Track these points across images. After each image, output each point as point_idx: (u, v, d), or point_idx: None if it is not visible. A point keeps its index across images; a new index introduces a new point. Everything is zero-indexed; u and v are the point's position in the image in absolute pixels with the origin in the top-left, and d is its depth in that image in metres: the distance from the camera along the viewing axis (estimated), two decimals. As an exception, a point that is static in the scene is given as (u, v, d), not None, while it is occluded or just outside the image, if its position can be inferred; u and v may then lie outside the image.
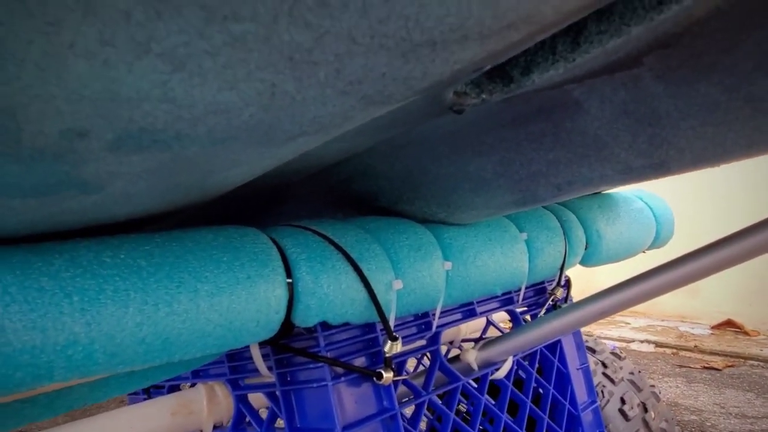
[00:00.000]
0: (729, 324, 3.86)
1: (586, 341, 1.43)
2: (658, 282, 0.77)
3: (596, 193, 1.27)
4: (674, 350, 3.55)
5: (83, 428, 0.72)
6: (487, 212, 0.79)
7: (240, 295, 0.56)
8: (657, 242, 1.37)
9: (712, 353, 3.41)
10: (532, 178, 0.67)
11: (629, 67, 0.48)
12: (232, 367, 0.81)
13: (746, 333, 3.72)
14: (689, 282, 0.75)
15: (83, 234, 0.51)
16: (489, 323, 1.18)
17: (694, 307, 4.12)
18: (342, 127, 0.38)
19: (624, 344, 3.77)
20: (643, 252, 1.36)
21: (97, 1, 0.18)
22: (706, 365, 3.21)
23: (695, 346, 3.51)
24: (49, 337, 0.44)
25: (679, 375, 3.12)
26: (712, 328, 3.92)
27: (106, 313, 0.47)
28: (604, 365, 1.34)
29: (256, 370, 0.79)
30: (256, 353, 0.73)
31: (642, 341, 3.73)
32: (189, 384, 0.92)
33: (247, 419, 0.83)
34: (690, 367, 3.23)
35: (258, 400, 0.86)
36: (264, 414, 0.82)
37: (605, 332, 4.04)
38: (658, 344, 3.65)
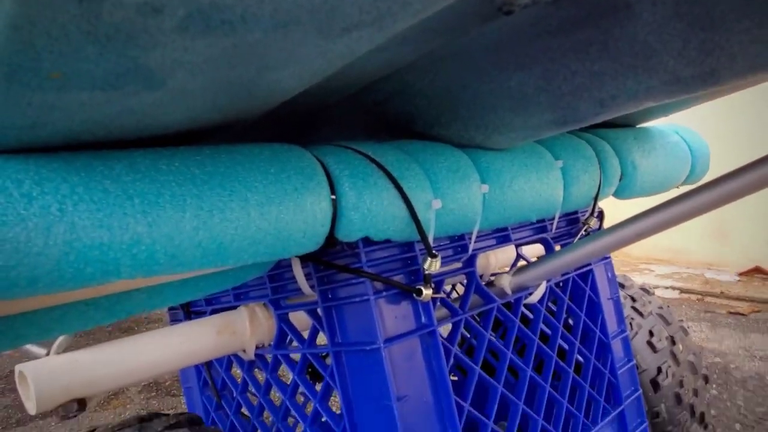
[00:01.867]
0: (757, 271, 3.82)
1: (617, 277, 1.44)
2: (687, 206, 0.76)
3: (632, 126, 1.25)
4: (699, 296, 3.54)
5: (138, 342, 0.76)
6: (524, 134, 0.79)
7: (288, 206, 0.57)
8: (692, 177, 1.34)
9: (738, 299, 3.39)
10: (574, 93, 0.66)
11: (686, -38, 0.47)
12: (274, 288, 0.84)
13: (774, 279, 3.68)
14: (722, 205, 0.74)
15: (136, 146, 0.53)
16: (519, 257, 1.19)
17: (721, 255, 4.07)
18: (398, 18, 0.38)
19: (648, 290, 3.77)
20: (677, 187, 1.34)
21: None
22: (732, 311, 3.20)
23: (721, 292, 3.50)
24: (115, 236, 0.46)
25: (704, 320, 3.12)
26: (740, 275, 3.89)
27: (166, 216, 0.49)
28: (633, 299, 1.35)
29: (296, 290, 0.82)
30: (298, 271, 0.76)
31: (667, 287, 3.72)
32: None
33: (289, 338, 0.86)
34: (715, 312, 3.23)
35: (298, 321, 0.89)
36: (305, 334, 0.85)
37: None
38: (683, 290, 3.64)
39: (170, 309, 1.11)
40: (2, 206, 0.41)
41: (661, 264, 4.42)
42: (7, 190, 0.42)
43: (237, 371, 1.00)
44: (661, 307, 1.37)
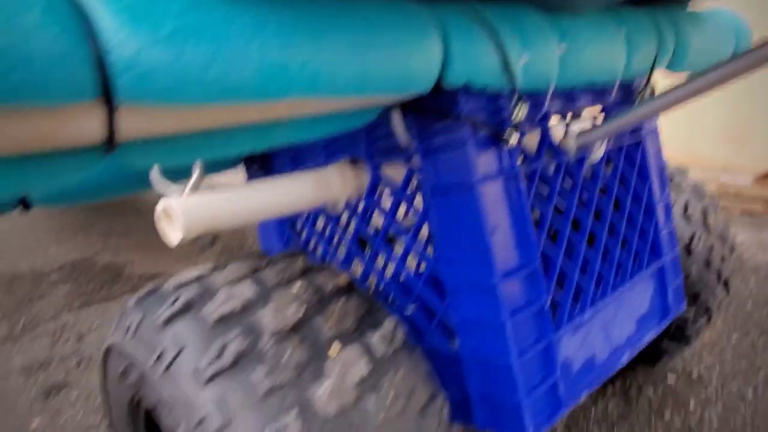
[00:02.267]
0: (772, 174, 3.89)
1: (654, 157, 1.53)
2: (731, 69, 0.79)
3: (684, 7, 1.29)
4: (715, 197, 3.65)
5: (257, 188, 0.87)
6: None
7: (413, 49, 0.66)
8: (735, 57, 1.40)
9: (753, 199, 3.50)
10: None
11: None
12: (369, 140, 0.94)
13: (789, 183, 3.76)
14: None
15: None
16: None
17: (737, 157, 4.13)
18: None
19: (664, 194, 3.88)
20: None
21: None
22: (746, 210, 3.32)
23: (736, 194, 3.60)
24: (294, 56, 0.54)
25: (718, 218, 3.25)
26: (756, 177, 3.97)
27: (327, 44, 0.57)
28: (671, 177, 1.45)
29: (387, 147, 0.91)
30: (397, 120, 0.84)
31: (682, 191, 3.83)
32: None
33: (380, 188, 0.97)
34: (730, 212, 3.35)
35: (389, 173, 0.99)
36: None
37: (646, 184, 4.14)
38: (698, 193, 3.75)
39: (249, 169, 1.21)
40: (211, 23, 0.50)
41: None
42: (214, 9, 0.50)
43: (320, 225, 1.12)
44: (695, 184, 1.47)
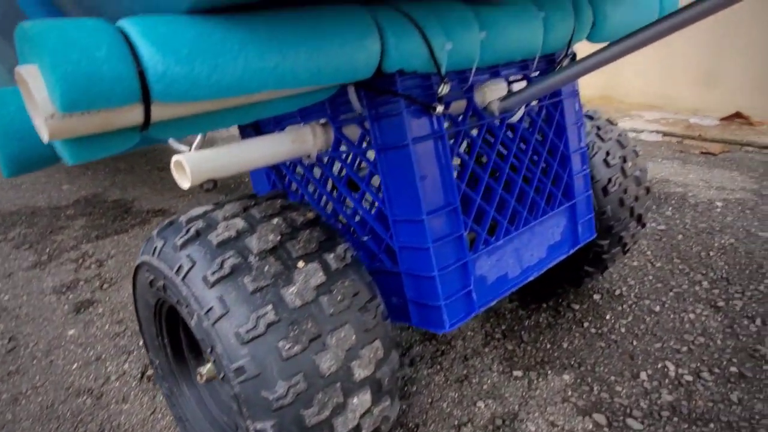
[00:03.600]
0: (737, 116, 4.14)
1: (587, 111, 1.78)
2: (644, 35, 0.99)
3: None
4: (679, 139, 3.91)
5: (248, 144, 1.14)
6: (514, -6, 1.08)
7: (356, 46, 0.91)
8: (659, 26, 1.61)
9: (713, 141, 3.76)
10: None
11: None
12: (332, 108, 1.20)
13: (751, 124, 4.01)
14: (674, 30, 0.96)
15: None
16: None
17: (707, 101, 4.35)
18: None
19: (634, 134, 4.12)
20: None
21: None
22: (704, 150, 3.59)
23: (699, 135, 3.85)
24: (266, 63, 0.80)
25: (677, 159, 3.52)
26: (721, 119, 4.21)
27: (290, 52, 0.82)
28: (599, 128, 1.71)
29: (347, 112, 1.17)
30: (352, 94, 1.10)
31: (651, 131, 4.07)
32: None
33: (343, 144, 1.24)
34: (689, 152, 3.62)
35: (349, 133, 1.26)
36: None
37: (620, 124, 4.37)
38: (665, 134, 4.00)
39: (243, 130, 1.48)
40: (211, 45, 0.75)
41: (652, 110, 4.72)
42: (212, 35, 0.75)
43: (300, 171, 1.39)
44: (620, 135, 1.74)
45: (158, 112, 0.79)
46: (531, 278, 1.34)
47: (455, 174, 1.20)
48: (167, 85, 0.73)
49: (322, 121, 1.25)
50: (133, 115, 0.77)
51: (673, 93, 4.52)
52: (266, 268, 0.96)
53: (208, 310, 0.92)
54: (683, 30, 1.19)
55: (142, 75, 0.71)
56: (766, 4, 3.84)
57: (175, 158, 1.08)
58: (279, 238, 1.01)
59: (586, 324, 1.82)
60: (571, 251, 1.48)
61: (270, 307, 0.92)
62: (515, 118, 1.30)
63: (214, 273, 0.94)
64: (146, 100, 0.74)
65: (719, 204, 2.73)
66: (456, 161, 1.25)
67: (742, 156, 3.49)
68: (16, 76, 0.69)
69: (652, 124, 4.28)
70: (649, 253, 2.27)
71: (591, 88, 5.17)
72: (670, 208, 2.71)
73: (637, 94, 4.80)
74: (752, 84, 4.08)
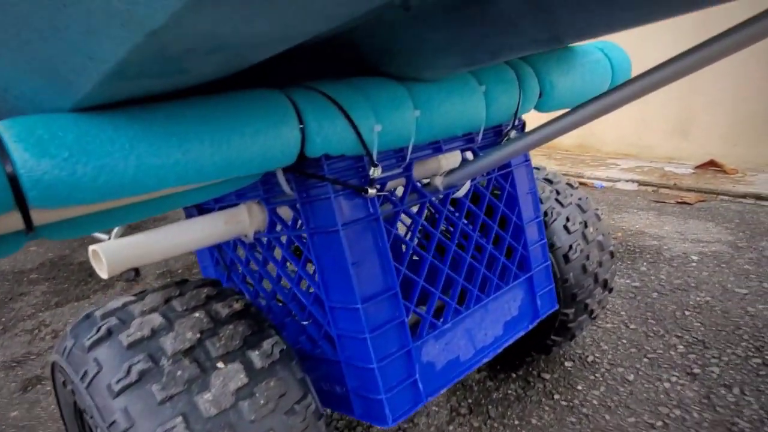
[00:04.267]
0: (711, 164, 4.15)
1: (547, 175, 1.75)
2: (595, 106, 0.94)
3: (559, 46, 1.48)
4: (655, 188, 3.90)
5: (173, 229, 1.08)
6: (446, 71, 1.05)
7: (271, 135, 0.86)
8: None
9: (688, 190, 3.76)
10: (473, 46, 0.92)
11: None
12: (265, 189, 1.14)
13: (725, 172, 4.02)
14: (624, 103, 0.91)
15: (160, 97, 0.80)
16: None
17: (682, 149, 4.38)
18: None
19: (610, 183, 4.12)
20: (600, 99, 1.60)
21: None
22: (680, 200, 3.57)
23: (674, 184, 3.85)
24: (164, 161, 0.75)
25: (653, 209, 3.50)
26: (696, 168, 4.22)
27: (193, 147, 0.77)
28: (558, 192, 1.67)
29: (281, 191, 1.12)
30: (281, 178, 1.05)
31: (627, 180, 4.07)
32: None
33: (278, 225, 1.18)
34: (665, 202, 3.60)
35: (284, 213, 1.20)
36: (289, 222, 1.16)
37: (595, 173, 4.37)
38: (641, 183, 3.99)
39: (185, 208, 1.42)
40: (97, 145, 0.70)
41: (628, 158, 4.74)
42: (98, 135, 0.70)
43: (241, 251, 1.33)
44: (580, 198, 1.70)
45: (42, 217, 0.73)
46: (487, 359, 1.26)
47: (400, 253, 1.14)
48: (44, 192, 0.67)
49: (258, 201, 1.20)
50: (13, 221, 0.71)
51: (649, 142, 4.56)
52: (179, 373, 0.88)
53: (111, 424, 0.83)
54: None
55: (15, 183, 0.66)
56: (737, 56, 3.91)
57: (91, 248, 1.01)
58: (198, 336, 0.94)
59: (556, 396, 1.73)
60: (531, 326, 1.40)
61: (180, 419, 0.83)
62: (461, 193, 1.25)
63: (119, 381, 0.85)
64: (23, 207, 0.68)
65: (695, 258, 2.68)
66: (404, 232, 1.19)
67: (717, 205, 3.48)
68: None
69: (628, 173, 4.29)
70: (623, 313, 2.20)
71: (567, 137, 5.21)
72: (645, 263, 2.65)
73: (613, 142, 4.84)
74: (725, 132, 4.12)
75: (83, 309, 2.67)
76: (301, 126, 0.91)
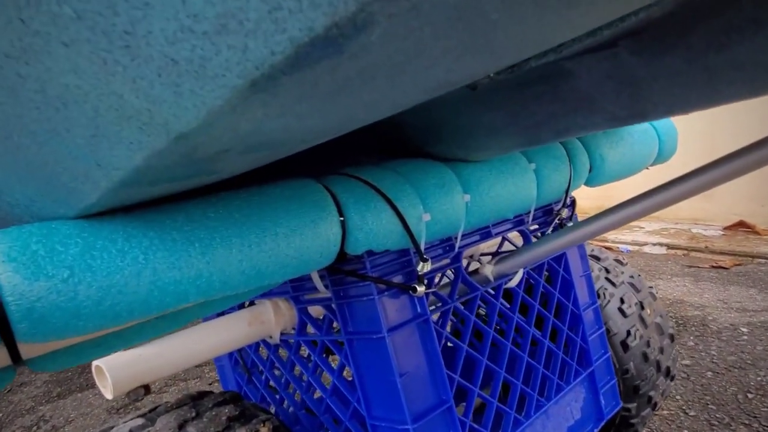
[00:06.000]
0: (741, 225, 4.00)
1: (592, 251, 1.60)
2: (652, 202, 0.86)
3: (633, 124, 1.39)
4: (685, 251, 3.73)
5: (188, 336, 0.93)
6: (499, 152, 0.93)
7: (308, 235, 0.73)
8: (660, 158, 1.49)
9: (721, 253, 3.58)
10: (535, 127, 0.80)
11: (608, 47, 0.61)
12: (294, 286, 1.01)
13: (757, 233, 3.86)
14: (677, 201, 0.85)
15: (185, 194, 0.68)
16: (504, 240, 1.35)
17: (707, 210, 4.25)
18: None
19: (637, 247, 3.96)
20: (647, 168, 1.49)
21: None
22: (715, 264, 3.39)
23: (706, 247, 3.68)
24: (184, 274, 0.61)
25: (688, 275, 3.32)
26: (725, 229, 4.07)
27: (218, 255, 0.64)
28: (607, 271, 1.52)
29: (312, 288, 0.98)
30: (315, 276, 0.92)
31: (654, 244, 3.91)
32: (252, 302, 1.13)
33: (309, 326, 1.03)
34: (699, 267, 3.42)
35: (314, 310, 1.06)
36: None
37: (620, 237, 4.22)
38: (670, 246, 3.83)
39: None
40: (105, 261, 0.57)
41: (651, 220, 4.60)
42: (107, 248, 0.57)
43: (264, 351, 1.18)
44: (632, 276, 1.54)
45: (33, 350, 0.59)
46: (551, 478, 1.07)
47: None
48: (36, 324, 0.53)
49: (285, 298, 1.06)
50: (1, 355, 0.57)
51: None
52: None
53: None
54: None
55: (1, 311, 0.52)
56: (759, 113, 3.85)
57: (95, 364, 0.87)
58: (218, 475, 0.77)
59: (620, 506, 1.50)
60: (596, 429, 1.22)
61: None
62: (513, 282, 1.10)
63: None
64: (10, 341, 0.54)
65: (744, 330, 2.48)
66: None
67: (755, 269, 3.30)
68: None
69: (654, 236, 4.13)
70: (678, 397, 1.99)
71: (586, 198, 5.10)
72: (692, 338, 2.45)
73: (634, 204, 4.73)
74: (751, 192, 3.99)
75: (87, 401, 2.48)
76: (342, 219, 0.79)
